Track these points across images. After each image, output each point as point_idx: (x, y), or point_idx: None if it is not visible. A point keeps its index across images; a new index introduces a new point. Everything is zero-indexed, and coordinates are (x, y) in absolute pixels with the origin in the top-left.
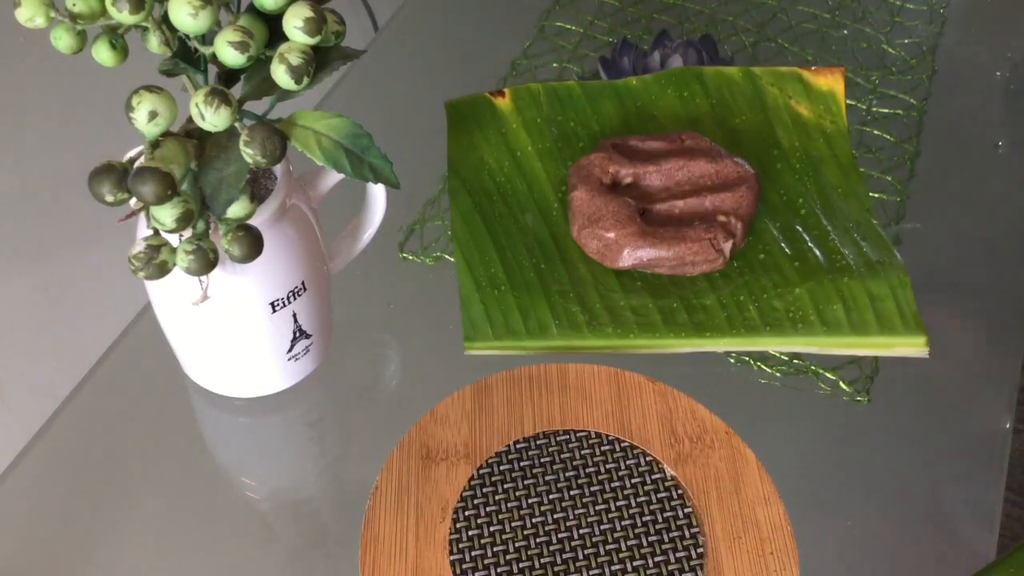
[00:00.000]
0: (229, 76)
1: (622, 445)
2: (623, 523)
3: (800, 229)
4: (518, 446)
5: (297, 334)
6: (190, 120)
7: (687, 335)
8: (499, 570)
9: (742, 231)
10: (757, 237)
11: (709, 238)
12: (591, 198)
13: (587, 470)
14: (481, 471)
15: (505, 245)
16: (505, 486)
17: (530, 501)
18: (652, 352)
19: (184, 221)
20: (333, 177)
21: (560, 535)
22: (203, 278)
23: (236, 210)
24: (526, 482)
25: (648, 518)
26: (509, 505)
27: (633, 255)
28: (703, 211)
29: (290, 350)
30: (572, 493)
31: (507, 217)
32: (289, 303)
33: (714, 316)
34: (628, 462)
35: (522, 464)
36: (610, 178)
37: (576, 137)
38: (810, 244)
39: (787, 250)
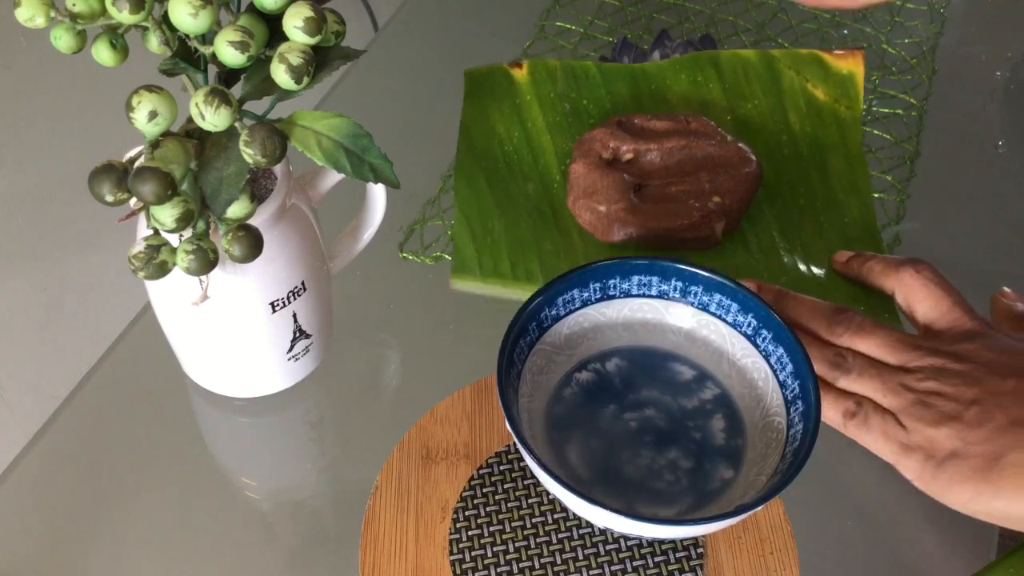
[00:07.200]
0: (229, 76)
1: None
2: None
3: (796, 220)
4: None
5: (297, 334)
6: (190, 120)
7: None
8: (499, 570)
9: (736, 213)
10: (753, 223)
11: (700, 217)
12: (588, 171)
13: None
14: (481, 471)
15: (505, 207)
16: (505, 486)
17: (530, 501)
18: None
19: (184, 221)
20: (333, 177)
21: (560, 535)
22: (203, 278)
23: (236, 210)
24: (526, 482)
25: None
26: (509, 505)
27: (623, 230)
28: (699, 191)
29: (290, 350)
30: None
31: (510, 182)
32: (289, 303)
33: None
34: None
35: (522, 464)
36: (610, 153)
37: (587, 115)
38: (802, 242)
39: (780, 243)
